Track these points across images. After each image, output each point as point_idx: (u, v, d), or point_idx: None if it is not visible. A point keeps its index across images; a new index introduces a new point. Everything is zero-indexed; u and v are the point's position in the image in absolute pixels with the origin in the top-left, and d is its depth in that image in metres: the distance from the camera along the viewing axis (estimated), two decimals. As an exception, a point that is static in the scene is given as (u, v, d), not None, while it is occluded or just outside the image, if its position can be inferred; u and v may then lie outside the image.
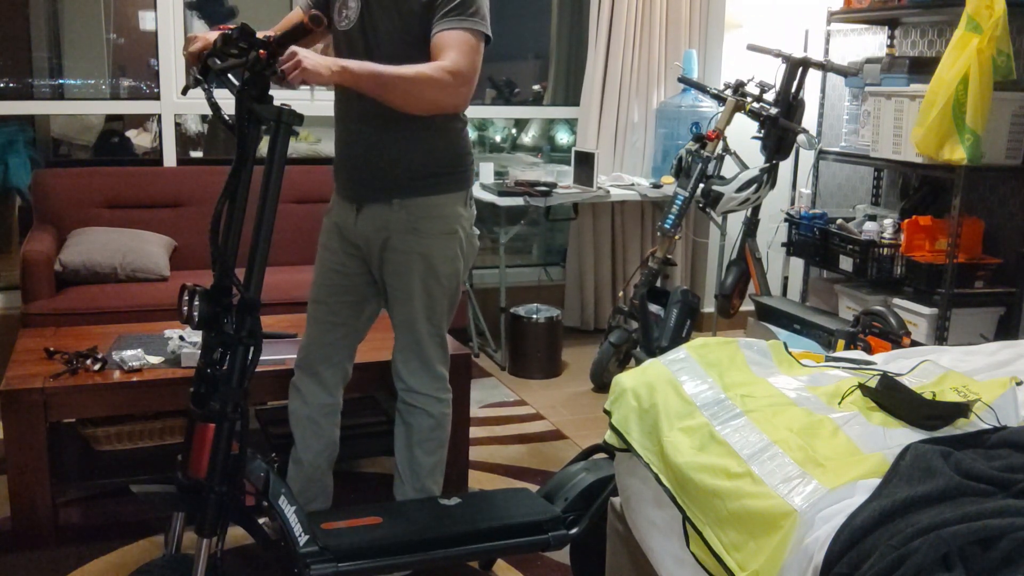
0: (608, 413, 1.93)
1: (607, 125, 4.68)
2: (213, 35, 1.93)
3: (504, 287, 4.38)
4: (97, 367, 2.60)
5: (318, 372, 2.44)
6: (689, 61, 4.57)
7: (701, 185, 3.77)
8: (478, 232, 2.45)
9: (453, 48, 2.11)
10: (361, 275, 2.40)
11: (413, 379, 2.38)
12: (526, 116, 5.66)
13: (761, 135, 3.88)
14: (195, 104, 4.25)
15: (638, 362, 3.68)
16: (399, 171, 2.25)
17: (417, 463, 2.41)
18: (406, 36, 2.19)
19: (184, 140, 4.97)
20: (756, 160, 3.89)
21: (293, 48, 1.88)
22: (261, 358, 1.84)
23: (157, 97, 4.20)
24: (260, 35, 1.84)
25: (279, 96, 1.86)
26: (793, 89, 3.84)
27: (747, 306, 4.28)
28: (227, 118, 1.83)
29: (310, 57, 1.89)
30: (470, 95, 2.18)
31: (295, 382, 2.47)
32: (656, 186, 4.49)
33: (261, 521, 1.98)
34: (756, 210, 4.05)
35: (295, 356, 2.45)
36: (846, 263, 3.77)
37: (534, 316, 4.18)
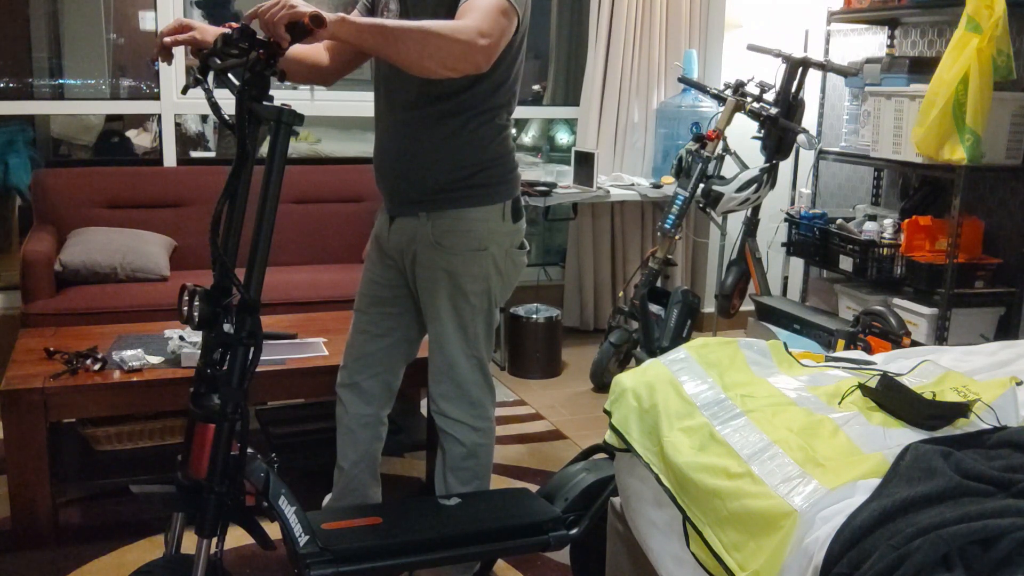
0: (608, 413, 1.93)
1: (607, 125, 4.68)
2: (207, 30, 1.92)
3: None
4: (97, 367, 2.60)
5: (358, 382, 2.36)
6: (689, 61, 4.57)
7: (701, 185, 3.77)
8: (527, 248, 2.29)
9: (478, 10, 1.89)
10: (398, 287, 2.31)
11: (444, 402, 2.27)
12: (526, 116, 5.66)
13: (761, 135, 3.88)
14: (195, 104, 4.25)
15: (638, 362, 3.68)
16: (427, 182, 2.15)
17: (452, 490, 2.32)
18: None
19: (184, 140, 4.97)
20: (756, 160, 3.89)
21: None
22: (261, 358, 1.84)
23: (157, 97, 4.20)
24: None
25: (279, 96, 1.86)
26: (793, 89, 3.84)
27: (747, 306, 4.28)
28: (227, 118, 1.83)
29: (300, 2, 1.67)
30: (491, 58, 1.90)
31: (337, 389, 2.40)
32: (656, 186, 4.49)
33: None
34: (756, 210, 4.05)
35: (294, 356, 2.44)
36: (846, 263, 3.77)
37: (533, 316, 4.18)
